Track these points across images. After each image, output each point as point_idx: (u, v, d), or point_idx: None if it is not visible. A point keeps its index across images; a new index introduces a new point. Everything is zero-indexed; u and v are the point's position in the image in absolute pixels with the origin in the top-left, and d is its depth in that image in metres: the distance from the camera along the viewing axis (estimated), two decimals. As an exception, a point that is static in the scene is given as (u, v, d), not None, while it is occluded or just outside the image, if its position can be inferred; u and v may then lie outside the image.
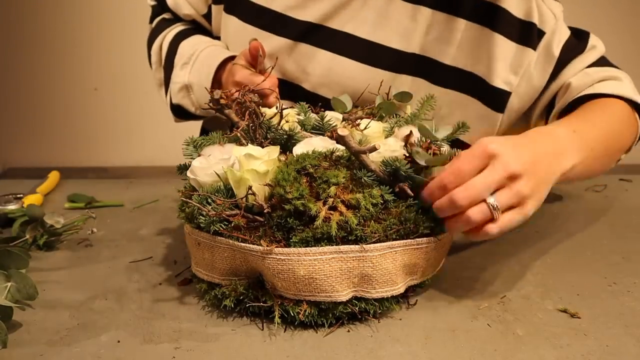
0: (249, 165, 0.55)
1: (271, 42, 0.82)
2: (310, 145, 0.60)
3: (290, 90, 0.83)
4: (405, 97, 0.73)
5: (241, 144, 0.62)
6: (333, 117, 0.67)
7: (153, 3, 1.00)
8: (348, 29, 0.81)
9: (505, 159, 0.56)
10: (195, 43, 0.89)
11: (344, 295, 0.55)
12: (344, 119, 0.69)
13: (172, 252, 0.75)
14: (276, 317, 0.55)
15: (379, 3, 0.80)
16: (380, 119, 0.72)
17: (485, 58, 0.78)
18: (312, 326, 0.56)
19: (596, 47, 0.84)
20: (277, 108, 0.67)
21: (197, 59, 0.87)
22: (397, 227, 0.55)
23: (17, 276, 0.61)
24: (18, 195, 0.91)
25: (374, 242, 0.54)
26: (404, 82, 0.81)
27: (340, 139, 0.55)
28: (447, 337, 0.55)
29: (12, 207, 0.86)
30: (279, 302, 0.56)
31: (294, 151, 0.59)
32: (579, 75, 0.81)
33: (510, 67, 0.78)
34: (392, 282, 0.56)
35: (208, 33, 0.94)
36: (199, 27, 0.96)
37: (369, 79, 0.79)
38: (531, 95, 0.81)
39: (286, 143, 0.62)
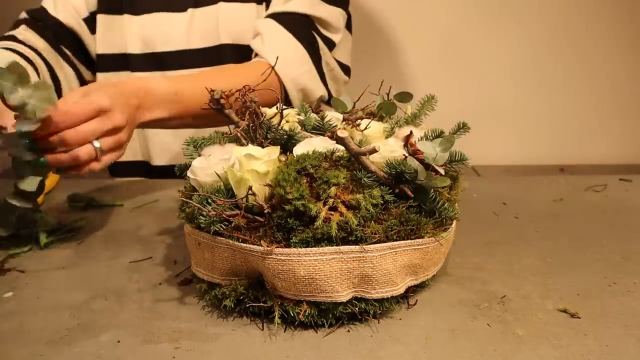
0: (250, 166, 0.55)
1: None
2: (310, 145, 0.60)
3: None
4: (405, 97, 0.73)
5: (241, 144, 0.62)
6: (333, 117, 0.67)
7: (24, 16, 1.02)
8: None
9: (115, 115, 0.70)
10: None
11: (344, 295, 0.55)
12: (344, 119, 0.69)
13: (172, 252, 0.75)
14: (276, 317, 0.55)
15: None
16: (381, 119, 0.72)
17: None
18: (312, 326, 0.56)
19: (303, 5, 0.99)
20: (277, 108, 0.67)
21: None
22: (398, 228, 0.55)
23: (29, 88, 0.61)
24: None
25: (374, 243, 0.54)
26: None
27: (339, 141, 0.55)
28: (447, 337, 0.55)
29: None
30: (279, 303, 0.56)
31: (294, 151, 0.59)
32: (260, 21, 0.98)
33: None
34: (392, 283, 0.56)
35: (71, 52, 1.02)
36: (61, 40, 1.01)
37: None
38: None
39: (286, 143, 0.62)
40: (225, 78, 0.92)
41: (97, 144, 0.68)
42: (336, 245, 0.54)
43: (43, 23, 1.00)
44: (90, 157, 0.68)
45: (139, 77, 0.89)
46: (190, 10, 1.05)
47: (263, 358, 0.52)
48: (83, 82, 1.07)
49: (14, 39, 0.97)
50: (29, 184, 0.67)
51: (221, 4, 1.03)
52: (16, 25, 1.01)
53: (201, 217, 0.56)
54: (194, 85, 0.86)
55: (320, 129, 0.64)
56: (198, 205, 0.55)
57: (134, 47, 1.05)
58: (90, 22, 1.04)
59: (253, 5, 1.05)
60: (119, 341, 0.55)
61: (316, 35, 1.00)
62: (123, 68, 1.07)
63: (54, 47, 1.00)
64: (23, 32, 0.98)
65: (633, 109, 1.61)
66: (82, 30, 1.02)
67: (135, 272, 0.70)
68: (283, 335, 0.56)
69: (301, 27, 0.98)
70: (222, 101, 0.63)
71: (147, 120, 0.81)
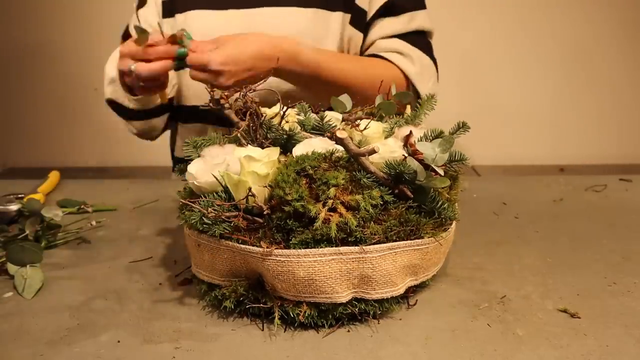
0: (250, 168, 0.55)
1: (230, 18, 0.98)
2: (310, 146, 0.60)
3: None
4: (405, 97, 0.73)
5: (241, 145, 0.62)
6: (333, 117, 0.67)
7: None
8: None
9: (219, 78, 0.82)
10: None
11: (343, 296, 0.55)
12: (343, 119, 0.69)
13: (172, 252, 0.76)
14: (276, 318, 0.55)
15: None
16: (380, 119, 0.72)
17: None
18: (312, 326, 0.56)
19: (414, 20, 1.02)
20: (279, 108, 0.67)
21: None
22: (397, 229, 0.55)
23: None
24: (19, 195, 0.91)
25: (374, 244, 0.54)
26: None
27: (339, 141, 0.55)
28: (447, 337, 0.55)
29: (13, 207, 0.85)
30: (279, 304, 0.56)
31: (293, 152, 0.59)
32: (387, 40, 1.01)
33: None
34: (392, 283, 0.56)
35: None
36: None
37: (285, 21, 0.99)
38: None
39: (286, 143, 0.62)
40: (363, 68, 0.96)
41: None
42: (336, 246, 0.54)
43: None
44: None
45: (292, 41, 0.89)
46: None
47: (263, 358, 0.52)
48: None
49: None
50: None
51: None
52: None
53: (205, 225, 0.56)
54: (335, 63, 0.92)
55: (320, 129, 0.64)
56: (203, 210, 0.55)
57: None
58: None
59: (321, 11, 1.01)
60: (119, 341, 0.55)
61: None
62: None
63: None
64: None
65: (633, 109, 1.61)
66: None
67: (135, 272, 0.70)
68: (283, 335, 0.56)
69: (427, 43, 1.05)
70: (222, 101, 0.63)
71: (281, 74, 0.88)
